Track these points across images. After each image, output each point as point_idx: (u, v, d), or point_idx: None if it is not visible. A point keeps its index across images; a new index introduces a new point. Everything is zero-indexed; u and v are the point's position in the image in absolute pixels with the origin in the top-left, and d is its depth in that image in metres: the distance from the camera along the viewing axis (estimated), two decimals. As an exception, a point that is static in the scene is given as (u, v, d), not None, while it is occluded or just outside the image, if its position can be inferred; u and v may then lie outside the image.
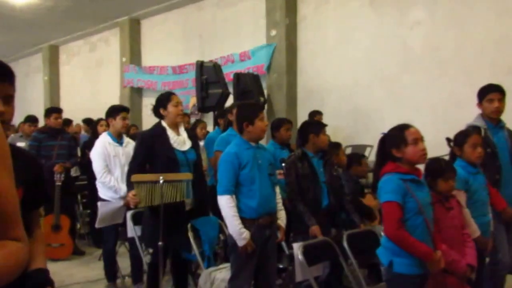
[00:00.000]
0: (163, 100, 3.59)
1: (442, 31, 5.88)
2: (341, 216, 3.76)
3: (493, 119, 3.51)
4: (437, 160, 2.97)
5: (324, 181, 3.63)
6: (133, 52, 10.44)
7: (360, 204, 4.25)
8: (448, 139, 3.49)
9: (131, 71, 10.34)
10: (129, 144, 4.34)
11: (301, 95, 7.38)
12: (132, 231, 3.85)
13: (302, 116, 6.94)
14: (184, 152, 3.53)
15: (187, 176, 3.33)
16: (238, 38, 8.15)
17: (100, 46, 11.84)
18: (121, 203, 4.12)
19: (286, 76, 7.28)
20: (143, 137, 3.61)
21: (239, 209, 3.06)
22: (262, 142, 3.42)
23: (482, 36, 5.53)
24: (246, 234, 3.01)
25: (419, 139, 2.55)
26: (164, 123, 3.56)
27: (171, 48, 9.67)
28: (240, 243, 3.02)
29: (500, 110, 3.49)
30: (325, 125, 3.74)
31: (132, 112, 10.12)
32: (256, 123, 3.11)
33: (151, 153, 3.45)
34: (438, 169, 2.86)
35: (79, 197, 6.24)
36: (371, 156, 5.90)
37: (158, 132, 3.52)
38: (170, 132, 3.51)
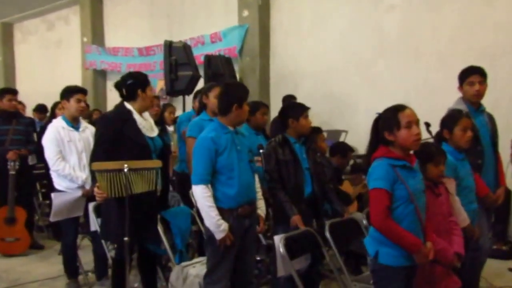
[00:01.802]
0: (144, 82, 3.23)
1: (417, 15, 5.78)
2: (324, 206, 3.54)
3: (474, 103, 3.41)
4: (426, 144, 2.83)
5: (307, 168, 3.40)
6: (95, 32, 9.90)
7: (339, 190, 4.06)
8: (427, 124, 3.35)
9: (93, 52, 9.83)
10: (87, 129, 3.97)
11: (274, 79, 7.17)
12: (95, 224, 3.52)
13: (274, 101, 6.72)
14: (152, 139, 3.22)
15: (156, 163, 3.00)
16: (208, 19, 7.85)
17: (59, 25, 11.18)
18: (79, 193, 3.76)
19: (259, 59, 7.05)
20: (110, 119, 3.21)
21: (216, 199, 2.80)
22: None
23: (456, 21, 5.46)
24: (224, 225, 2.77)
25: (413, 122, 2.36)
26: (129, 106, 3.19)
27: (137, 28, 9.22)
28: (218, 235, 2.77)
29: (481, 94, 3.39)
30: (306, 108, 3.46)
31: (95, 96, 9.77)
32: (244, 107, 2.89)
33: (118, 138, 3.07)
34: (428, 153, 2.71)
35: (38, 186, 5.80)
36: (346, 141, 5.79)
37: (125, 115, 3.15)
38: (137, 116, 3.17)
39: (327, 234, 3.17)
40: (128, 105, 3.18)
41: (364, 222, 3.47)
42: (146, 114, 3.30)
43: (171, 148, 4.74)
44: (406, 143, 2.34)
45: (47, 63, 11.36)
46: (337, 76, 6.45)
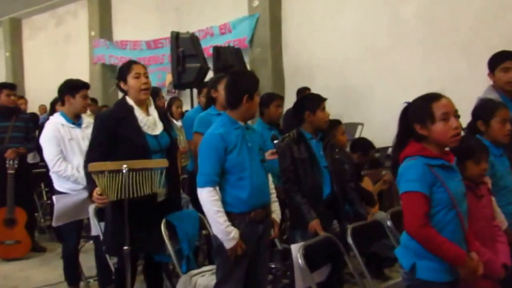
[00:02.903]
0: (123, 71, 2.96)
1: (436, 2, 5.46)
2: (345, 207, 3.22)
3: (508, 92, 3.09)
4: (465, 138, 2.43)
5: (325, 166, 3.09)
6: (103, 25, 9.67)
7: (361, 189, 3.74)
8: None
9: (101, 47, 9.61)
10: (90, 126, 3.68)
11: (288, 70, 6.89)
12: (97, 228, 3.24)
13: (290, 94, 6.42)
14: (155, 137, 2.92)
15: (160, 163, 2.70)
16: (217, 10, 7.58)
17: (68, 20, 10.96)
18: (85, 194, 3.47)
19: (271, 50, 6.77)
20: (103, 118, 2.93)
21: (225, 203, 2.51)
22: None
23: (478, 6, 5.11)
24: (234, 233, 2.47)
25: (451, 113, 2.02)
26: (130, 101, 2.92)
27: (145, 21, 8.96)
28: (228, 244, 2.47)
29: None
30: (323, 99, 3.14)
31: (104, 91, 9.56)
32: (255, 98, 2.59)
33: (113, 139, 2.80)
34: (468, 149, 2.35)
35: (42, 185, 5.55)
36: (362, 134, 5.53)
37: (122, 112, 2.88)
38: (138, 112, 2.89)
39: (349, 240, 2.85)
40: (129, 100, 2.91)
41: (389, 223, 3.15)
42: (151, 109, 3.01)
43: (178, 144, 4.44)
44: (443, 138, 2.00)
45: (55, 59, 11.14)
46: (352, 67, 6.16)
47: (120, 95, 8.54)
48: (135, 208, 2.67)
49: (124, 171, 2.50)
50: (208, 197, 2.45)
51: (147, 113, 2.96)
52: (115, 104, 2.98)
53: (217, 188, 2.49)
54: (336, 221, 3.24)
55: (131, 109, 2.88)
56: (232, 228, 2.46)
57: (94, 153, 2.82)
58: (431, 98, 2.03)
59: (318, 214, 2.96)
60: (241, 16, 7.11)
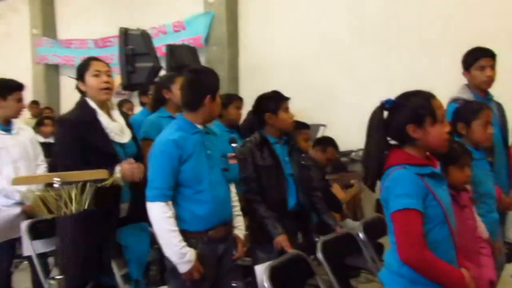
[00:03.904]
0: (80, 69, 2.59)
1: (401, -2, 5.29)
2: (313, 219, 2.95)
3: (482, 91, 2.96)
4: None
5: (290, 174, 2.79)
6: (46, 23, 9.08)
7: (330, 196, 3.49)
8: None
9: (44, 45, 9.01)
10: (22, 132, 3.24)
11: (245, 70, 6.59)
12: (29, 248, 2.81)
13: (245, 94, 6.13)
14: (122, 146, 2.56)
15: (100, 174, 2.30)
16: (171, 6, 7.21)
17: (8, 16, 10.22)
18: (18, 210, 3.04)
19: (228, 49, 6.47)
20: (73, 123, 2.50)
21: (180, 220, 2.17)
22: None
23: (444, 4, 4.99)
24: (190, 255, 2.14)
25: (445, 115, 1.79)
26: (92, 103, 2.53)
27: (93, 18, 8.45)
28: (183, 268, 2.13)
29: (492, 80, 2.95)
30: (285, 99, 2.83)
31: (48, 92, 8.96)
32: (217, 99, 2.29)
33: (84, 146, 2.44)
34: (451, 153, 2.15)
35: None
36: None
37: (87, 115, 2.51)
38: (102, 116, 2.52)
39: (320, 256, 2.58)
40: (91, 103, 2.54)
41: (361, 235, 2.91)
42: (116, 113, 2.64)
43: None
44: (438, 142, 1.74)
45: (-5, 58, 10.38)
46: (314, 66, 5.93)
47: (63, 97, 7.91)
48: (94, 225, 2.33)
49: (56, 184, 2.09)
50: (159, 213, 2.11)
51: (111, 117, 2.60)
52: (76, 106, 2.59)
53: (170, 203, 2.15)
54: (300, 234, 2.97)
55: (93, 112, 2.51)
56: (187, 249, 2.13)
57: (71, 161, 2.41)
58: (428, 95, 1.75)
59: (284, 227, 2.66)
60: (196, 13, 6.79)
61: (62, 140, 2.54)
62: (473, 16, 4.77)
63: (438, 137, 1.73)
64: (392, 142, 1.83)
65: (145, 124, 3.11)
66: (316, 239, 2.81)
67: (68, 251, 2.40)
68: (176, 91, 2.96)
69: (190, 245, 2.15)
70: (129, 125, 2.69)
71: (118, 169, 2.40)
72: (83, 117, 2.50)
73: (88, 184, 2.25)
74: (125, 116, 2.81)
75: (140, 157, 2.65)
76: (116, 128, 2.52)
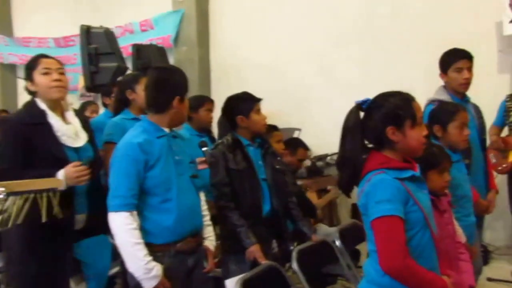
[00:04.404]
0: (28, 68, 2.37)
1: (376, 1, 5.23)
2: (288, 226, 2.80)
3: (459, 93, 2.92)
4: (427, 146, 2.17)
5: (264, 179, 2.64)
6: (1, 19, 8.54)
7: (305, 202, 3.35)
8: None
9: (-1, 43, 8.51)
10: None
11: (216, 71, 6.39)
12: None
13: (217, 97, 5.95)
14: (76, 150, 2.34)
15: (52, 183, 2.07)
16: (138, 4, 6.92)
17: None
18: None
19: (198, 49, 6.25)
20: (13, 123, 2.31)
21: (145, 232, 1.99)
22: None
23: (418, 6, 4.95)
24: (156, 270, 1.95)
25: (422, 119, 1.72)
26: (41, 104, 2.32)
27: (54, 15, 8.01)
28: (148, 284, 1.95)
29: (470, 82, 2.91)
30: (257, 100, 2.69)
31: (3, 94, 8.50)
32: (186, 100, 2.15)
33: (29, 150, 2.23)
34: (430, 157, 2.07)
35: None
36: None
37: (35, 117, 2.29)
38: (52, 118, 2.30)
39: (295, 266, 2.44)
40: (41, 104, 2.32)
41: (337, 243, 2.79)
42: (70, 115, 2.42)
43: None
44: (416, 146, 1.66)
45: None
46: (289, 68, 5.79)
47: (20, 99, 7.47)
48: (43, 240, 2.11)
49: (1, 195, 1.85)
50: (122, 225, 1.92)
51: (65, 119, 2.38)
52: (23, 107, 2.38)
53: (135, 213, 1.96)
54: (274, 241, 2.82)
55: (43, 114, 2.29)
56: (153, 263, 1.94)
57: (9, 165, 2.20)
58: (409, 97, 1.66)
59: (258, 235, 2.51)
60: (164, 11, 6.52)
61: (1, 142, 2.31)
62: (450, 18, 4.75)
63: (417, 140, 1.64)
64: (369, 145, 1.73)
65: (108, 127, 2.91)
66: (292, 247, 2.68)
67: (16, 269, 2.16)
68: (140, 92, 2.78)
69: (156, 259, 1.97)
70: (86, 127, 2.47)
71: (61, 172, 2.18)
72: (29, 119, 2.29)
73: (36, 195, 2.02)
74: (82, 118, 2.59)
75: (97, 162, 2.46)
76: (69, 131, 2.31)
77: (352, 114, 1.68)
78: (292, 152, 3.77)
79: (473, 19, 4.60)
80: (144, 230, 1.97)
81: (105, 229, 2.02)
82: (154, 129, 2.06)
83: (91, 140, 2.46)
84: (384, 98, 1.67)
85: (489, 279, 3.75)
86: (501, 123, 3.92)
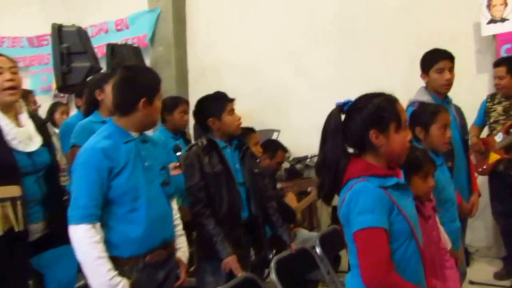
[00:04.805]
0: None
1: (353, 1, 5.16)
2: (266, 233, 2.68)
3: (440, 94, 2.86)
4: (410, 149, 2.08)
5: (241, 183, 2.52)
6: (-28, 19, 8.27)
7: (283, 207, 3.24)
8: None
9: (-30, 43, 8.21)
10: None
11: (193, 72, 6.23)
12: None
13: (195, 97, 5.81)
14: (29, 155, 2.16)
15: (9, 191, 1.91)
16: (113, 3, 6.72)
17: None
18: None
19: (175, 49, 6.09)
20: None
21: (110, 245, 1.84)
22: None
23: (394, 6, 4.90)
24: (122, 285, 1.81)
25: (407, 122, 1.61)
26: None
27: (28, 14, 7.73)
28: (113, 301, 1.79)
29: (451, 83, 2.84)
30: (229, 100, 2.56)
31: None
32: (156, 103, 1.97)
33: None
34: (414, 161, 1.97)
35: None
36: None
37: None
38: (3, 121, 2.12)
39: (273, 276, 2.33)
40: None
41: (318, 250, 2.68)
42: (24, 117, 2.23)
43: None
44: (400, 151, 1.56)
45: None
46: (266, 68, 5.67)
47: None
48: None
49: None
50: (83, 238, 1.76)
51: (18, 122, 2.19)
52: None
53: (98, 224, 1.81)
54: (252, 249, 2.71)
55: None
56: (118, 279, 1.79)
57: None
58: (392, 98, 1.56)
59: (235, 242, 2.40)
60: (140, 10, 6.35)
61: None
62: (428, 18, 4.70)
63: (401, 146, 1.54)
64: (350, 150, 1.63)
65: (75, 130, 2.75)
66: (271, 255, 2.57)
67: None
68: (109, 93, 2.60)
69: (122, 273, 1.82)
70: (42, 130, 2.30)
71: None
72: None
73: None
74: (39, 120, 2.40)
75: (53, 167, 2.29)
76: (21, 134, 2.13)
77: (333, 117, 1.57)
78: (271, 155, 3.67)
79: (451, 20, 4.56)
80: (109, 243, 1.82)
81: (67, 239, 1.86)
82: (120, 133, 1.92)
83: (47, 144, 2.28)
84: (367, 99, 1.56)
85: (471, 282, 3.69)
86: (481, 123, 3.89)
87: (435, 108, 2.43)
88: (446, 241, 2.22)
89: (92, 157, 1.82)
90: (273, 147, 3.68)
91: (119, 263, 1.83)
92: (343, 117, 1.58)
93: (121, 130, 1.92)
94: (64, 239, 2.14)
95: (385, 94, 1.58)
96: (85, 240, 1.76)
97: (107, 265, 1.77)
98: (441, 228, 2.21)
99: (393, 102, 1.55)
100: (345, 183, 1.53)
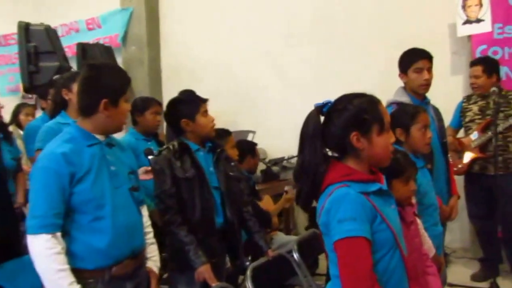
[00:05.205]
0: None
1: (331, 1, 5.12)
2: (242, 239, 2.58)
3: (419, 94, 2.80)
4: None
5: (216, 187, 2.41)
6: None
7: (259, 212, 3.14)
8: None
9: None
10: None
11: (167, 73, 6.11)
12: None
13: (167, 98, 5.68)
14: None
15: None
16: (84, 2, 6.56)
17: None
18: None
19: (148, 49, 5.96)
20: None
21: (73, 256, 1.71)
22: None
23: (372, 6, 4.89)
24: None
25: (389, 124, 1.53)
26: None
27: (-5, 13, 7.53)
28: (75, 317, 1.66)
29: (430, 83, 2.79)
30: (203, 101, 2.45)
31: None
32: (122, 104, 1.84)
33: None
34: (395, 165, 1.86)
35: None
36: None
37: None
38: None
39: (249, 285, 2.24)
40: None
41: (295, 256, 2.60)
42: None
43: (20, 165, 3.43)
44: (383, 155, 1.48)
45: None
46: (242, 68, 5.59)
47: None
48: None
49: None
50: (42, 249, 1.63)
51: None
52: None
53: (59, 234, 1.68)
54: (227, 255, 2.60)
55: None
56: None
57: None
58: (375, 99, 1.48)
59: (210, 250, 2.28)
60: (112, 9, 6.20)
61: None
62: (404, 19, 4.68)
63: (384, 149, 1.46)
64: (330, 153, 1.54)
65: (41, 132, 2.62)
66: (247, 263, 2.47)
67: None
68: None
69: (86, 287, 1.70)
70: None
71: None
72: None
73: None
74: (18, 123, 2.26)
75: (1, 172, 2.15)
76: None
77: (311, 119, 1.49)
78: (253, 156, 3.60)
79: (426, 21, 4.55)
80: (72, 254, 1.70)
81: (18, 248, 1.74)
82: (83, 136, 1.79)
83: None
84: (348, 100, 1.48)
85: (449, 285, 3.64)
86: (457, 124, 3.88)
87: (414, 109, 2.38)
88: (430, 247, 2.16)
89: (51, 162, 1.68)
90: (245, 152, 3.58)
91: (83, 276, 1.70)
92: (322, 119, 1.51)
93: (85, 133, 1.80)
94: (17, 250, 2.01)
95: (367, 94, 1.50)
96: (45, 252, 1.62)
97: (69, 278, 1.64)
98: (425, 234, 2.15)
99: (375, 103, 1.48)
100: (325, 188, 1.45)
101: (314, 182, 1.46)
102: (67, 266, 1.65)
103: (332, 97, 1.56)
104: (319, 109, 1.50)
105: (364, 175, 1.46)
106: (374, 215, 1.40)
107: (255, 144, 3.79)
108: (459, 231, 4.48)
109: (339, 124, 1.45)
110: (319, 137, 1.47)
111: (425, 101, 2.84)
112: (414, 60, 2.76)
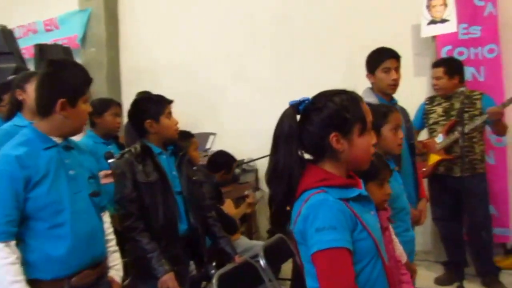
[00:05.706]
0: None
1: (290, 3, 5.12)
2: (206, 245, 2.52)
3: (386, 95, 2.73)
4: None
5: (179, 192, 2.34)
6: None
7: (223, 216, 3.08)
8: None
9: None
10: None
11: (126, 74, 5.97)
12: None
13: (128, 100, 5.54)
14: None
15: None
16: (42, 2, 6.35)
17: None
18: None
19: (107, 50, 5.82)
20: None
21: (29, 266, 1.61)
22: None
23: (331, 7, 4.89)
24: None
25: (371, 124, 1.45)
26: None
27: None
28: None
29: (398, 83, 2.71)
30: (168, 102, 2.39)
31: None
32: (80, 105, 1.75)
33: None
34: (369, 167, 1.82)
35: None
36: (214, 145, 4.95)
37: None
38: None
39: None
40: None
41: (262, 262, 2.56)
42: None
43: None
44: (364, 157, 1.39)
45: None
46: (203, 70, 5.53)
47: None
48: None
49: None
50: None
51: None
52: None
53: (13, 243, 1.58)
54: (192, 262, 2.54)
55: None
56: None
57: None
58: (357, 96, 1.39)
59: (173, 257, 2.22)
60: (70, 10, 6.04)
61: None
62: (366, 20, 4.70)
63: (365, 151, 1.36)
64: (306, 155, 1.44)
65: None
66: (213, 270, 2.41)
67: None
68: (31, 92, 2.37)
69: (43, 299, 1.60)
70: None
71: None
72: None
73: None
74: None
75: None
76: None
77: (286, 118, 1.36)
78: (228, 171, 3.48)
79: (390, 21, 4.55)
80: (27, 264, 1.60)
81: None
82: (39, 138, 1.69)
83: None
84: (327, 97, 1.36)
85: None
86: (419, 126, 3.82)
87: (385, 108, 2.28)
88: (401, 253, 2.08)
89: (4, 166, 1.58)
90: (229, 162, 3.52)
91: (40, 287, 1.61)
92: (298, 118, 1.40)
93: (41, 135, 1.70)
94: None
95: (348, 91, 1.39)
96: (-3, 262, 1.52)
97: None
98: (395, 239, 2.07)
99: (357, 101, 1.37)
100: (300, 194, 1.34)
101: (288, 186, 1.34)
102: (22, 277, 1.56)
103: (292, 98, 1.44)
104: (295, 107, 1.38)
105: (343, 180, 1.36)
106: (355, 223, 1.29)
107: (234, 161, 3.62)
108: (420, 234, 4.49)
109: (318, 124, 1.34)
110: (295, 137, 1.35)
111: (392, 102, 2.75)
112: (382, 60, 2.67)
